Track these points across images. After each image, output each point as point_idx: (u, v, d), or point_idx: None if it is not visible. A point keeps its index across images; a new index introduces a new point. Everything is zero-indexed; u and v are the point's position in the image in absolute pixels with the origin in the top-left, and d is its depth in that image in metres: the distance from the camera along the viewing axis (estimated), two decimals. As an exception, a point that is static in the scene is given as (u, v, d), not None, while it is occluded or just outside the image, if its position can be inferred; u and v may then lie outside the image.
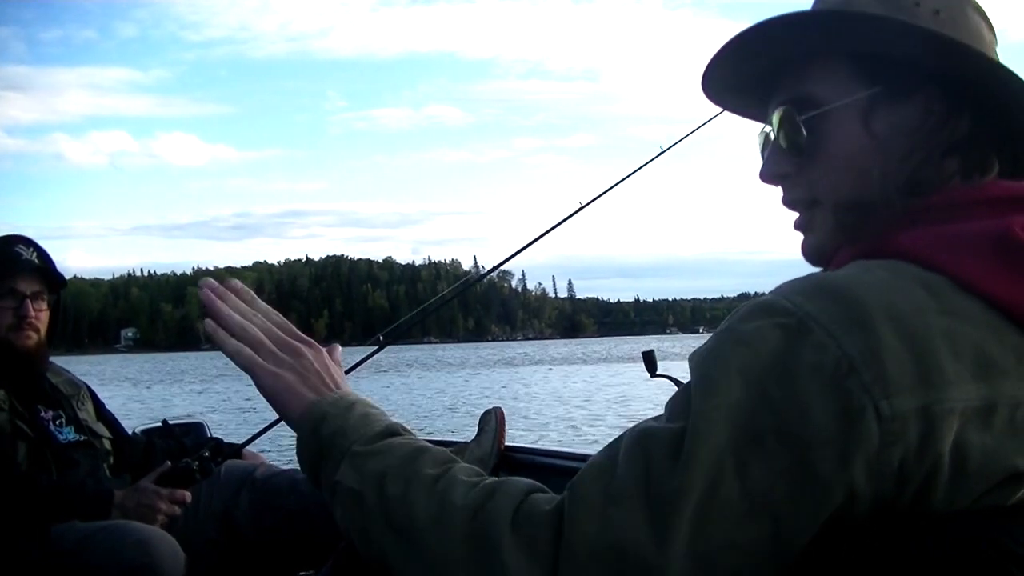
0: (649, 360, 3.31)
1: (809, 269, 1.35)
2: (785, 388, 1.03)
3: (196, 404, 33.84)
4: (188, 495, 3.17)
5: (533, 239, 3.71)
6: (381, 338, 3.71)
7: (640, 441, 1.10)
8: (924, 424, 1.02)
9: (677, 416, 1.09)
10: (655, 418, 1.14)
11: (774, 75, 1.37)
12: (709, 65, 1.39)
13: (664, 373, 3.26)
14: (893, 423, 1.01)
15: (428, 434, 4.81)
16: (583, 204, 3.62)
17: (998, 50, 1.34)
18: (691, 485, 1.04)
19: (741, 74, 1.40)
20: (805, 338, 1.05)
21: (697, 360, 1.13)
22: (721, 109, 1.53)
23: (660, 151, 3.60)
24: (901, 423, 1.01)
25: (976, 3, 1.34)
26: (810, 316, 1.06)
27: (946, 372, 1.04)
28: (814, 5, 1.37)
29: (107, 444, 3.44)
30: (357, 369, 3.73)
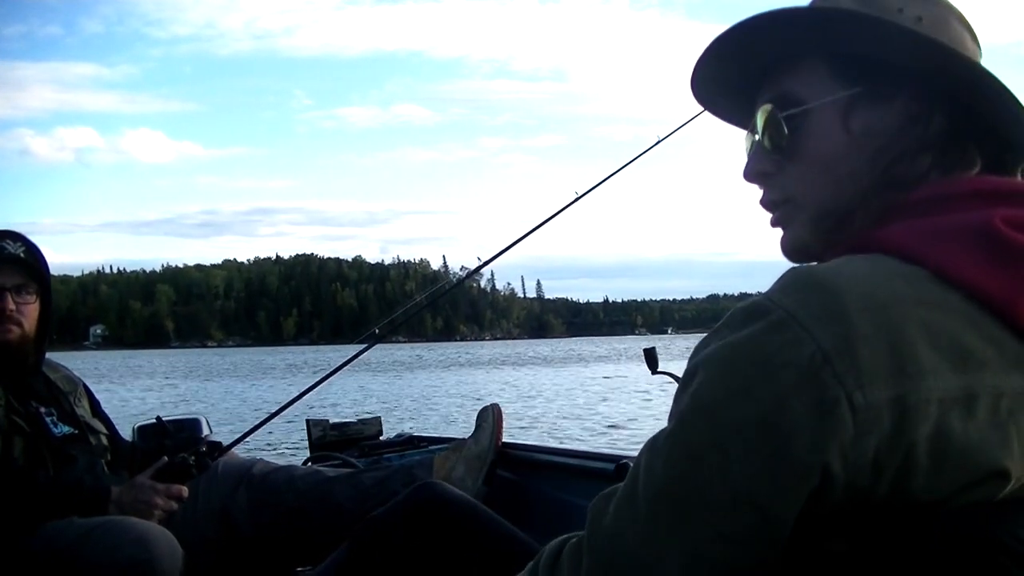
0: (650, 357, 3.31)
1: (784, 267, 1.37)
2: (764, 384, 1.06)
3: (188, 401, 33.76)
4: (185, 490, 3.16)
5: (530, 230, 3.72)
6: (376, 331, 3.72)
7: (642, 450, 1.18)
8: (898, 414, 1.03)
9: (670, 419, 1.15)
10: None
11: (760, 75, 1.38)
12: (697, 64, 1.40)
13: (664, 370, 3.26)
14: (867, 413, 1.03)
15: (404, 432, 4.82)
16: (579, 195, 3.63)
17: (981, 61, 1.34)
18: (672, 484, 1.11)
19: (728, 74, 1.41)
20: (783, 334, 1.07)
21: (691, 365, 1.16)
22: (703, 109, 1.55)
23: (657, 140, 3.61)
24: (875, 413, 1.03)
25: (959, 14, 1.35)
26: (788, 311, 1.08)
27: (922, 362, 1.05)
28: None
29: (104, 440, 3.42)
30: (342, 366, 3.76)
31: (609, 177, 3.61)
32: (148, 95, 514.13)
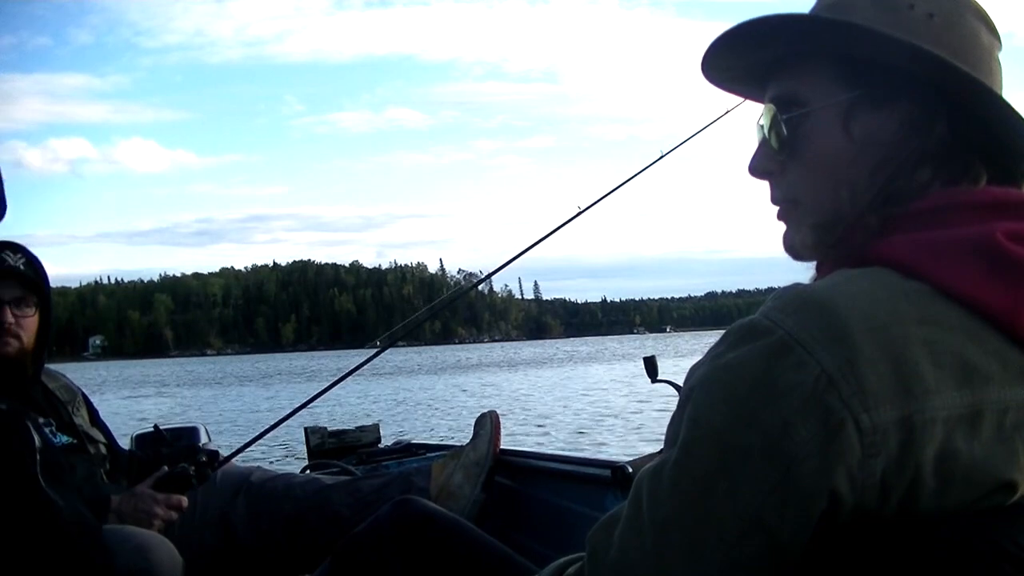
0: (650, 366, 3.30)
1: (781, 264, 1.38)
2: (769, 408, 1.05)
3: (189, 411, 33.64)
4: (185, 500, 3.16)
5: (533, 243, 3.72)
6: (379, 343, 3.74)
7: (639, 480, 1.16)
8: (905, 434, 1.03)
9: (670, 444, 1.14)
10: (660, 452, 1.19)
11: (771, 65, 1.37)
12: (705, 58, 1.39)
13: (665, 379, 3.25)
14: (874, 435, 1.02)
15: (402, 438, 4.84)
16: (582, 209, 3.62)
17: (1000, 52, 1.33)
18: (680, 512, 1.10)
19: (738, 64, 1.40)
20: (786, 357, 1.06)
21: (688, 388, 1.15)
22: (724, 111, 1.55)
23: (660, 155, 3.58)
24: (882, 434, 1.03)
25: (977, 7, 1.32)
26: (790, 334, 1.07)
27: (927, 381, 1.04)
28: (814, 6, 1.37)
29: (103, 449, 3.41)
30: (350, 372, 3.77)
31: (611, 192, 3.60)
32: (140, 104, 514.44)
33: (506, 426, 3.84)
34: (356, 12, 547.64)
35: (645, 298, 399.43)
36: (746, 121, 1.43)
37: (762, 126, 1.37)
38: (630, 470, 2.97)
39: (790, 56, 1.33)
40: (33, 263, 3.28)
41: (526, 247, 3.71)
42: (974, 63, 1.26)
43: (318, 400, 3.68)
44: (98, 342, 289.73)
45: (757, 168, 1.39)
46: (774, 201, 1.38)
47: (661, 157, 3.56)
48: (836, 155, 1.29)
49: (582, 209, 3.61)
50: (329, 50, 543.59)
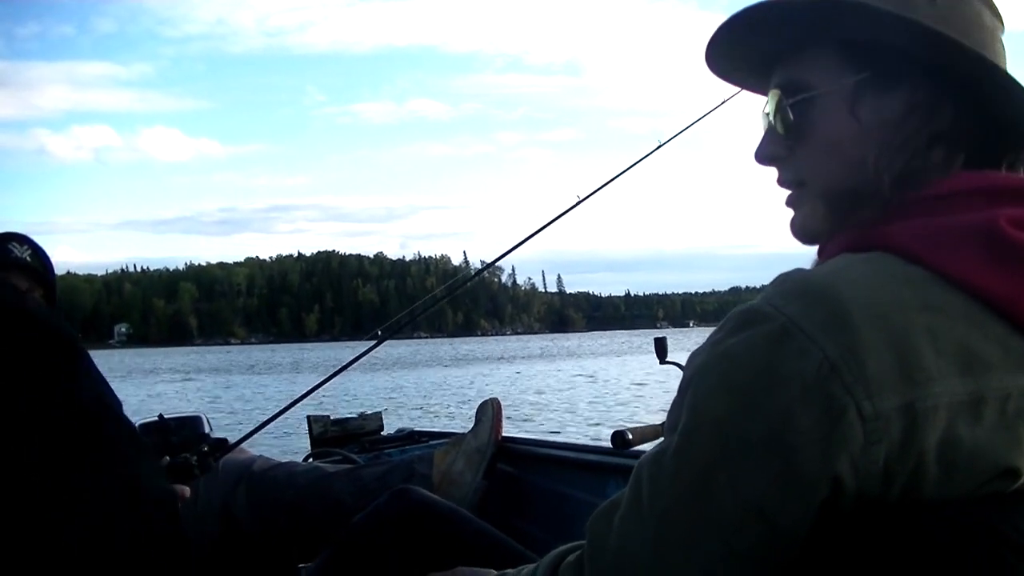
0: (660, 346, 3.33)
1: (797, 252, 1.36)
2: (771, 396, 1.04)
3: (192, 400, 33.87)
4: (187, 491, 3.16)
5: (533, 232, 3.69)
6: (380, 333, 3.72)
7: (640, 467, 1.16)
8: (907, 421, 1.03)
9: (670, 431, 1.14)
10: (661, 424, 1.19)
11: (774, 54, 1.36)
12: (709, 46, 1.39)
13: (672, 360, 3.28)
14: (876, 422, 1.02)
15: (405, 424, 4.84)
16: (581, 198, 3.59)
17: (1006, 36, 1.32)
18: (681, 501, 1.09)
19: (742, 53, 1.39)
20: (787, 344, 1.05)
21: (688, 375, 1.15)
22: (722, 100, 1.55)
23: (659, 144, 3.54)
24: (884, 421, 1.02)
25: None
26: (792, 321, 1.06)
27: (929, 368, 1.04)
28: None
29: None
30: (354, 365, 3.77)
31: (611, 181, 3.57)
32: (163, 93, 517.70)
33: (510, 413, 3.85)
34: (377, 2, 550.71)
35: (669, 292, 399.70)
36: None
37: (767, 113, 1.37)
38: (630, 436, 2.99)
39: (796, 41, 1.32)
40: (39, 254, 3.28)
41: (520, 241, 3.69)
42: (978, 44, 1.24)
43: (326, 389, 3.67)
44: (123, 330, 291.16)
45: (763, 155, 1.38)
46: (781, 183, 1.38)
47: (659, 147, 3.53)
48: (843, 137, 1.28)
49: (581, 198, 3.59)
50: (350, 41, 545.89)
